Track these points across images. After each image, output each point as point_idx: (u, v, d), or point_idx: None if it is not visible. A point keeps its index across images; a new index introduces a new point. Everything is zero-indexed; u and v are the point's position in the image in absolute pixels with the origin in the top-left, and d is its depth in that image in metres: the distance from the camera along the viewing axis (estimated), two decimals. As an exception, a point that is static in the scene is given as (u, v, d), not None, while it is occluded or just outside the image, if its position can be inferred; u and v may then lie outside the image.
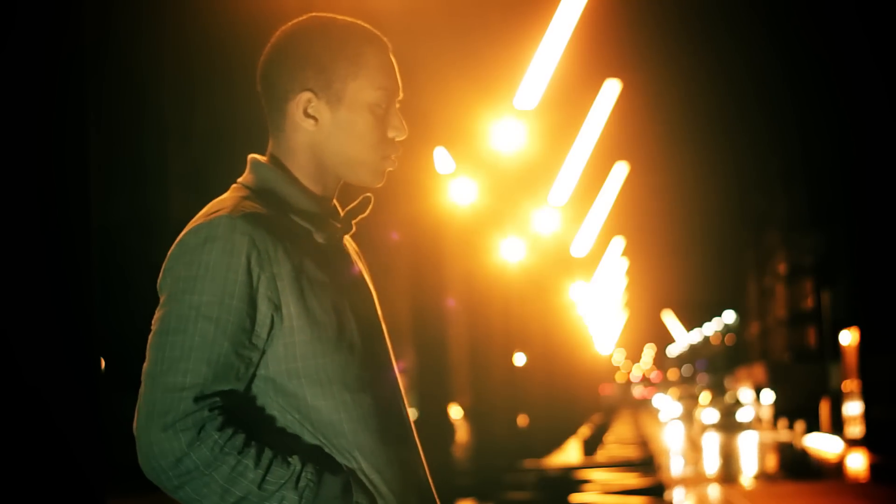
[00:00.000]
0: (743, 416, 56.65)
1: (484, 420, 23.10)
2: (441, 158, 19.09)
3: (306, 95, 2.64)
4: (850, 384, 41.90)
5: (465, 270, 22.34)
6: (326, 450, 2.54)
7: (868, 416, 39.28)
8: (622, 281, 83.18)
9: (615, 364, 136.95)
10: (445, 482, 17.24)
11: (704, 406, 58.66)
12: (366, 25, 2.71)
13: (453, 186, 19.91)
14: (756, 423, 57.93)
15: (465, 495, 19.56)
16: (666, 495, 21.66)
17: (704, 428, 55.34)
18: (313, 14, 2.70)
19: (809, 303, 65.82)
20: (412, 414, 2.83)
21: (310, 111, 2.65)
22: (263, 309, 2.51)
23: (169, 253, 2.55)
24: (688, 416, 72.72)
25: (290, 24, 2.70)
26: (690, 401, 79.35)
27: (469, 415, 23.85)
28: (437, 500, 2.72)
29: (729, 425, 55.68)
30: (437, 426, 17.58)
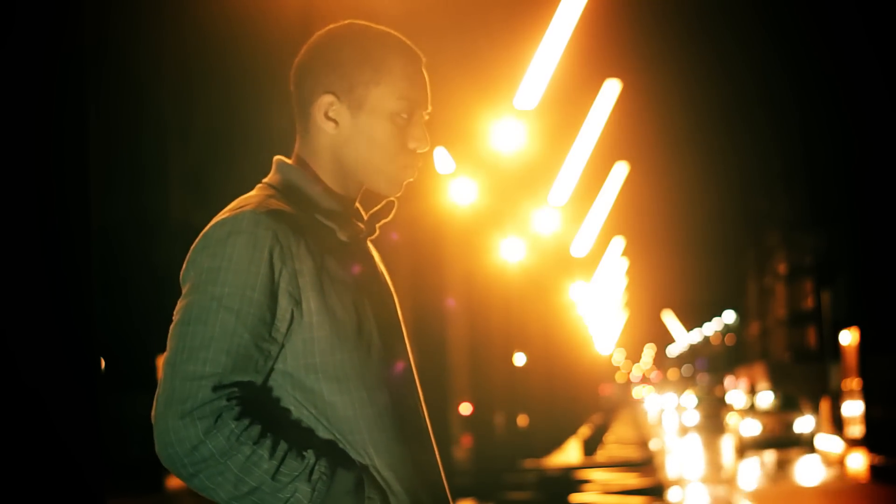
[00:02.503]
0: (802, 425, 38.92)
1: (484, 420, 23.11)
2: (441, 158, 19.10)
3: (328, 98, 2.68)
4: (850, 384, 41.88)
5: (465, 270, 22.34)
6: (341, 445, 2.57)
7: (868, 416, 39.25)
8: (622, 281, 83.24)
9: (615, 364, 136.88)
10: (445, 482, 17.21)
11: (744, 412, 39.81)
12: (399, 36, 2.74)
13: (453, 186, 19.92)
14: (819, 442, 39.37)
15: (465, 495, 19.56)
16: (666, 495, 21.66)
17: (744, 444, 38.44)
18: (350, 20, 2.74)
19: (809, 303, 65.83)
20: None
21: (331, 114, 2.68)
22: (284, 303, 2.55)
23: (193, 246, 2.58)
24: (709, 426, 59.40)
25: (326, 28, 2.74)
26: (713, 404, 66.42)
27: (469, 414, 23.86)
28: (451, 501, 2.74)
29: (784, 440, 38.48)
30: (437, 426, 17.57)
